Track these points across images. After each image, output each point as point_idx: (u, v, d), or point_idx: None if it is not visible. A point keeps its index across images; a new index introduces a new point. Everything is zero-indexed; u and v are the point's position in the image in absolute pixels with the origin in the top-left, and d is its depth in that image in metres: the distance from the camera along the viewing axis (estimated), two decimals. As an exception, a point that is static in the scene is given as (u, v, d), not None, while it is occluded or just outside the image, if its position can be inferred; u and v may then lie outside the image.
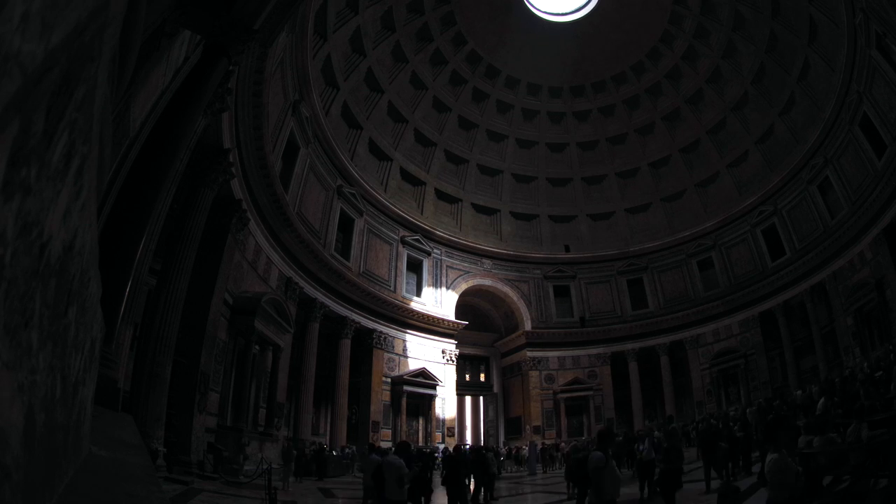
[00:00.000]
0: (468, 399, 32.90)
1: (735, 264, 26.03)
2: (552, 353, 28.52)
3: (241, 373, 14.84)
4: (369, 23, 22.30)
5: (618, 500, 4.34)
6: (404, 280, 25.80)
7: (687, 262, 28.04)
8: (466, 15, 25.43)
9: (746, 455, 10.95)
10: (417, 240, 26.72)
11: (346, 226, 23.07)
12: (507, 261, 29.68)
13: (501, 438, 28.68)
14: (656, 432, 13.94)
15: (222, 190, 12.79)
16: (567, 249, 30.46)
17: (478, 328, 30.04)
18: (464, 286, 28.39)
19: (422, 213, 27.51)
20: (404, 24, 23.93)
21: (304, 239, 18.74)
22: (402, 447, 7.29)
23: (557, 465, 20.74)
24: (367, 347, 23.16)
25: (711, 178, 27.70)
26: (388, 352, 23.91)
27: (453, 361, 26.51)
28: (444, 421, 25.31)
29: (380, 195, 25.13)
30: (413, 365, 24.62)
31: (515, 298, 29.47)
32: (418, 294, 26.45)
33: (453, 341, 26.73)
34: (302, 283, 19.06)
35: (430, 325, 25.94)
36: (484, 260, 29.17)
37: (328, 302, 20.73)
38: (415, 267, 26.89)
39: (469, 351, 29.29)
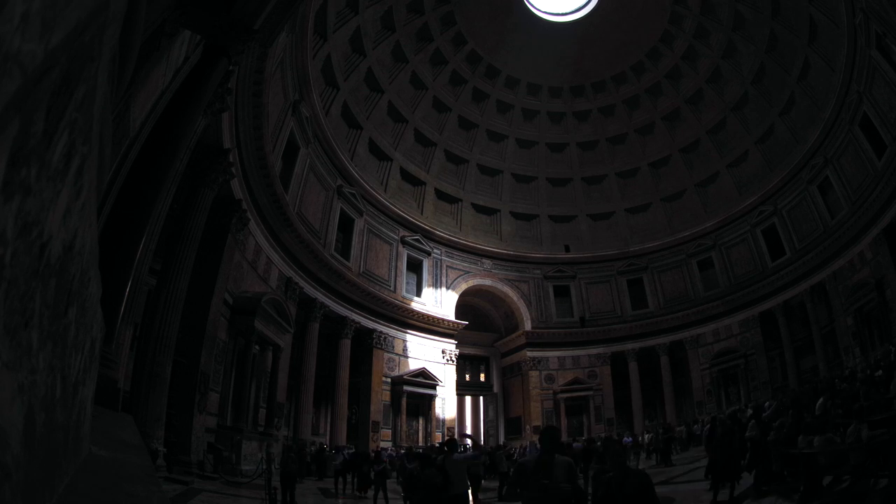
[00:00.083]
0: (468, 399, 32.90)
1: (735, 264, 26.03)
2: (552, 353, 28.52)
3: (241, 373, 14.84)
4: (369, 23, 22.30)
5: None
6: (404, 280, 25.80)
7: (687, 262, 28.05)
8: (466, 15, 25.43)
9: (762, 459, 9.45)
10: (417, 240, 26.72)
11: (346, 226, 23.07)
12: (507, 261, 29.68)
13: (501, 438, 28.66)
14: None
15: (222, 190, 12.79)
16: (567, 249, 30.46)
17: (478, 328, 30.04)
18: (464, 286, 28.39)
19: (422, 213, 27.51)
20: (404, 24, 23.93)
21: (304, 239, 18.74)
22: (451, 444, 7.22)
23: None
24: (367, 347, 23.16)
25: (711, 178, 27.70)
26: (388, 352, 23.91)
27: (453, 361, 26.51)
28: (444, 421, 25.31)
29: (380, 195, 25.13)
30: (413, 365, 24.62)
31: (515, 298, 29.46)
32: (418, 294, 26.45)
33: (453, 341, 26.73)
34: (302, 283, 19.06)
35: (430, 325, 25.94)
36: (484, 260, 29.17)
37: (328, 302, 20.73)
38: (415, 267, 26.89)
39: (469, 351, 29.29)
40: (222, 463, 12.21)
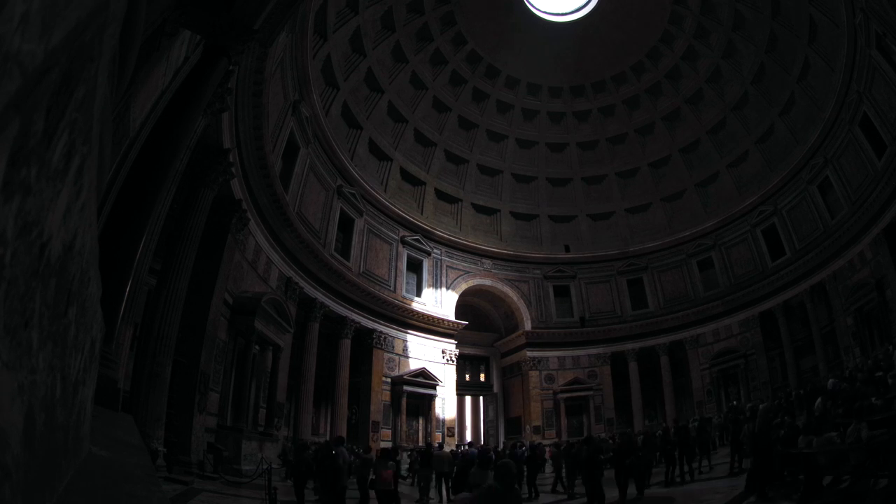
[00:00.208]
0: (468, 399, 32.90)
1: (735, 264, 26.04)
2: (552, 353, 28.52)
3: (241, 373, 14.84)
4: (369, 23, 22.30)
5: None
6: (404, 280, 25.80)
7: (687, 262, 28.05)
8: (466, 15, 25.44)
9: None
10: (417, 240, 26.72)
11: (346, 226, 23.06)
12: (507, 261, 29.67)
13: (501, 438, 28.67)
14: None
15: (222, 190, 12.79)
16: (567, 249, 30.46)
17: (478, 328, 30.04)
18: (464, 286, 28.39)
19: (422, 213, 27.51)
20: (404, 24, 23.93)
21: (304, 239, 18.74)
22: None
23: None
24: (367, 347, 23.17)
25: (711, 178, 27.71)
26: (388, 352, 23.91)
27: (453, 361, 26.51)
28: (444, 421, 25.31)
29: (380, 195, 25.14)
30: (413, 365, 24.62)
31: (515, 298, 29.47)
32: (418, 294, 26.45)
33: (453, 341, 26.73)
34: (302, 283, 19.06)
35: (430, 325, 25.94)
36: (484, 260, 29.17)
37: (328, 302, 20.73)
38: (415, 267, 26.89)
39: (469, 351, 29.28)
40: (222, 463, 12.20)
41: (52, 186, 0.87)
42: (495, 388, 30.69)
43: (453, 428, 26.09)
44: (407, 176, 27.21)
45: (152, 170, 7.60)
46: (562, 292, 30.02)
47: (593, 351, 28.44)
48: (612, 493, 9.00)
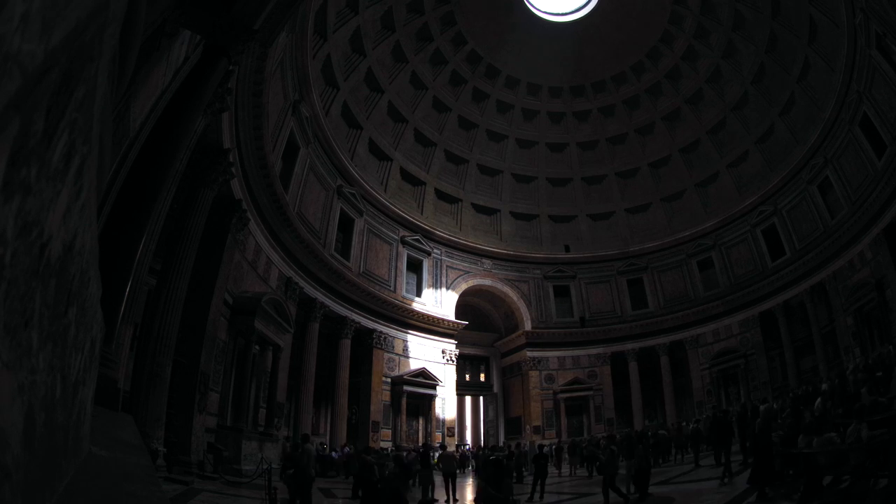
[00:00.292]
0: (468, 399, 32.91)
1: (735, 264, 26.04)
2: (552, 353, 28.52)
3: (241, 373, 14.84)
4: (369, 23, 22.30)
5: None
6: (404, 280, 25.80)
7: (687, 262, 28.05)
8: (466, 15, 25.44)
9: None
10: (417, 240, 26.73)
11: (346, 226, 23.07)
12: (507, 261, 29.68)
13: (501, 438, 28.68)
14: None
15: (222, 190, 12.79)
16: (567, 249, 30.46)
17: (478, 328, 30.05)
18: (464, 286, 28.39)
19: (422, 213, 27.51)
20: (404, 24, 23.93)
21: (304, 239, 18.74)
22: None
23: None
24: (367, 347, 23.17)
25: (711, 178, 27.71)
26: (388, 352, 23.91)
27: (453, 361, 26.52)
28: (444, 421, 25.31)
29: (380, 195, 25.14)
30: (413, 365, 24.62)
31: (515, 298, 29.47)
32: (418, 294, 26.45)
33: (453, 341, 26.73)
34: (302, 283, 19.06)
35: (430, 325, 25.94)
36: (484, 260, 29.17)
37: (328, 302, 20.73)
38: (415, 267, 26.89)
39: (469, 351, 29.29)
40: (222, 463, 12.20)
41: (52, 186, 0.87)
42: (495, 388, 30.69)
43: (453, 428, 26.09)
44: (407, 176, 27.21)
45: (152, 170, 7.59)
46: (562, 292, 30.03)
47: (593, 351, 28.44)
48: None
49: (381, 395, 22.92)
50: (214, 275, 12.95)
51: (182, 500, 7.60)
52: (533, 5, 26.20)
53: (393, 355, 24.15)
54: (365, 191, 24.08)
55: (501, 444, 27.24)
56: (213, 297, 12.75)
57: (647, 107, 28.84)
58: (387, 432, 22.81)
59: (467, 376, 29.79)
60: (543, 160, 30.60)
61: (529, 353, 28.40)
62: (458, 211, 29.26)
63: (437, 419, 25.09)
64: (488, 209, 30.17)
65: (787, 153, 23.68)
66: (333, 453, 18.62)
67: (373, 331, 23.21)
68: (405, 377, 23.97)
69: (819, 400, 11.83)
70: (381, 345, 23.58)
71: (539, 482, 12.07)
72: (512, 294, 29.48)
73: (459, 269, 28.43)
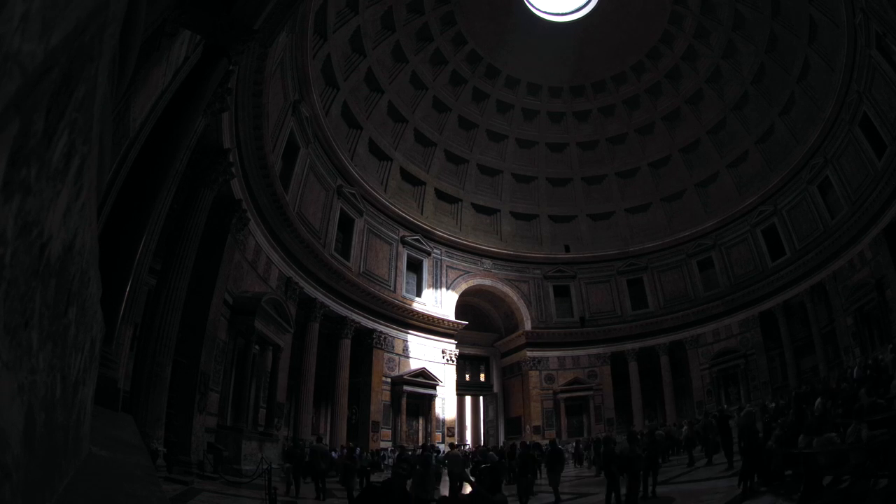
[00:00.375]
0: (468, 399, 32.91)
1: (735, 264, 26.04)
2: (552, 353, 28.52)
3: (241, 373, 14.84)
4: (369, 23, 22.30)
5: None
6: (404, 280, 25.80)
7: (687, 262, 28.06)
8: (466, 15, 25.44)
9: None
10: (417, 240, 26.72)
11: (346, 226, 23.07)
12: (507, 261, 29.68)
13: (501, 438, 28.68)
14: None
15: (222, 190, 12.79)
16: (567, 249, 30.47)
17: (478, 328, 30.05)
18: (464, 286, 28.39)
19: (422, 213, 27.51)
20: (404, 24, 23.93)
21: (304, 239, 18.74)
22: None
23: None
24: (367, 347, 23.17)
25: (711, 178, 27.71)
26: (388, 352, 23.91)
27: (453, 361, 26.52)
28: (444, 421, 25.32)
29: (380, 195, 25.14)
30: (413, 365, 24.63)
31: (515, 298, 29.47)
32: (418, 294, 26.45)
33: (453, 341, 26.73)
34: (302, 283, 19.06)
35: (430, 325, 25.95)
36: (484, 260, 29.18)
37: (328, 302, 20.73)
38: (415, 267, 26.89)
39: (469, 351, 29.29)
40: (222, 463, 12.20)
41: (52, 186, 0.87)
42: (495, 388, 30.69)
43: (453, 428, 26.09)
44: (407, 176, 27.21)
45: (152, 170, 7.59)
46: (562, 292, 30.03)
47: (593, 351, 28.44)
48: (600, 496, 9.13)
49: (381, 395, 22.92)
50: (214, 275, 12.95)
51: (182, 500, 7.60)
52: (533, 5, 26.20)
53: (393, 355, 24.15)
54: (365, 191, 24.08)
55: (501, 443, 27.26)
56: (213, 297, 12.75)
57: (647, 107, 28.84)
58: (387, 432, 22.82)
59: (467, 376, 29.79)
60: (543, 160, 30.60)
61: (529, 353, 28.40)
62: (458, 211, 29.26)
63: (437, 419, 25.09)
64: (488, 209, 30.17)
65: (787, 153, 23.68)
66: (333, 453, 18.62)
67: (373, 331, 23.21)
68: (405, 377, 23.96)
69: (819, 400, 11.83)
70: (381, 345, 23.58)
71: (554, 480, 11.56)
72: (512, 294, 29.48)
73: (459, 269, 28.44)
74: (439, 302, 27.04)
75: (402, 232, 26.20)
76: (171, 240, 10.69)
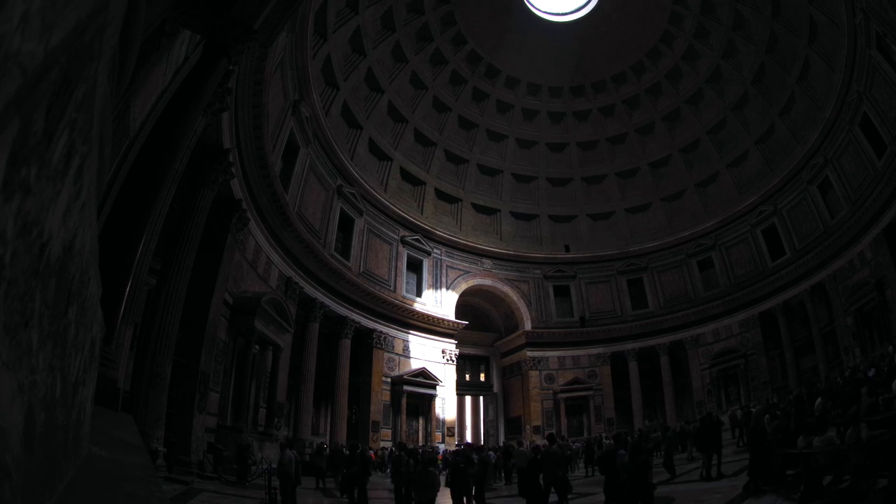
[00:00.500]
0: (468, 399, 32.90)
1: (735, 264, 26.04)
2: (552, 353, 28.52)
3: (241, 373, 14.84)
4: (369, 23, 22.30)
5: None
6: (404, 280, 25.80)
7: (687, 262, 28.05)
8: (466, 15, 25.44)
9: None
10: (417, 240, 26.72)
11: (346, 226, 23.06)
12: (507, 261, 29.68)
13: (501, 438, 28.68)
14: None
15: (222, 190, 12.79)
16: (567, 249, 30.46)
17: (478, 328, 30.04)
18: (464, 286, 28.39)
19: (422, 213, 27.51)
20: (404, 24, 23.93)
21: (304, 239, 18.74)
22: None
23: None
24: (367, 347, 23.16)
25: (711, 178, 27.71)
26: (388, 352, 23.91)
27: (453, 361, 26.51)
28: (444, 421, 25.31)
29: (380, 195, 25.14)
30: (413, 365, 24.62)
31: (515, 298, 29.47)
32: (418, 294, 26.45)
33: (453, 341, 26.73)
34: (302, 282, 19.06)
35: (430, 325, 25.94)
36: (484, 260, 29.18)
37: (328, 302, 20.73)
38: (415, 267, 26.89)
39: (469, 351, 29.29)
40: (222, 463, 12.20)
41: (52, 186, 0.87)
42: (495, 388, 30.69)
43: (453, 428, 26.09)
44: (407, 176, 27.21)
45: (152, 170, 7.59)
46: (562, 292, 30.03)
47: (593, 351, 28.44)
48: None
49: (381, 395, 22.92)
50: (214, 275, 12.95)
51: (182, 500, 7.60)
52: (533, 5, 26.20)
53: (393, 355, 24.14)
54: (365, 191, 24.08)
55: (501, 443, 27.26)
56: (213, 296, 12.75)
57: (647, 107, 28.84)
58: (387, 432, 22.81)
59: (467, 376, 29.78)
60: (543, 160, 30.60)
61: (529, 353, 28.40)
62: (458, 211, 29.26)
63: (437, 419, 25.09)
64: (488, 209, 30.17)
65: (787, 153, 23.68)
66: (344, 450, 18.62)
67: (373, 331, 23.21)
68: (405, 377, 23.96)
69: (819, 400, 11.82)
70: (381, 345, 23.58)
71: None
72: (512, 294, 29.48)
73: (459, 269, 28.43)
74: (439, 302, 27.04)
75: (402, 232, 26.20)
76: (171, 240, 10.69)
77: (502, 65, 27.95)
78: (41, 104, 0.73)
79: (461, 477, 9.50)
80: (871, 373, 13.43)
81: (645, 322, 28.10)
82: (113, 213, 6.83)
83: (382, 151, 25.77)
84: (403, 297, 25.31)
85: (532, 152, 30.48)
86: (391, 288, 24.80)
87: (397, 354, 24.36)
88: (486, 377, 31.02)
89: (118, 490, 1.95)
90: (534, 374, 28.05)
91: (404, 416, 23.67)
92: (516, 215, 30.67)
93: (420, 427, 24.72)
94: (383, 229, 25.33)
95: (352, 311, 22.09)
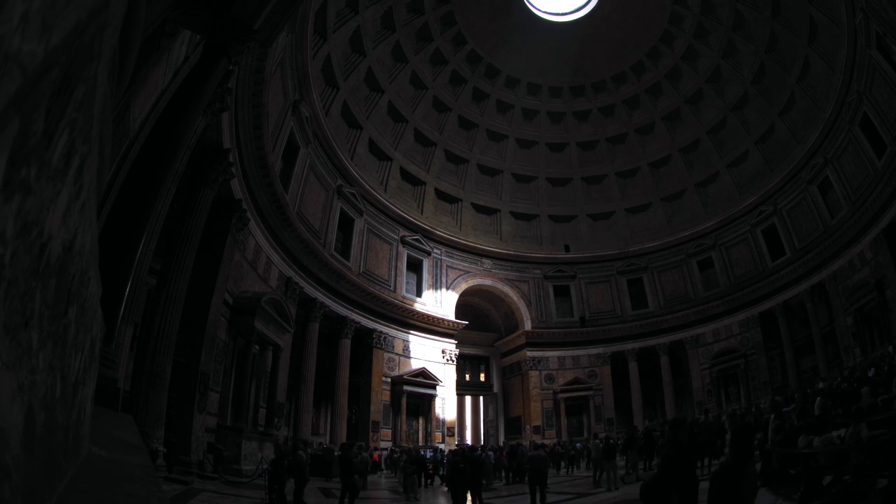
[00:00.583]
0: (468, 399, 32.91)
1: (735, 264, 26.04)
2: (552, 353, 28.52)
3: (241, 373, 14.84)
4: (369, 22, 22.30)
5: None
6: (404, 280, 25.80)
7: (687, 262, 28.06)
8: (466, 15, 25.44)
9: None
10: (417, 240, 26.72)
11: (346, 226, 23.06)
12: (507, 261, 29.68)
13: (501, 438, 28.69)
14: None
15: (222, 190, 12.79)
16: (567, 249, 30.47)
17: (478, 328, 30.05)
18: (464, 286, 28.39)
19: (422, 213, 27.51)
20: (404, 24, 23.93)
21: (304, 239, 18.74)
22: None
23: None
24: (367, 347, 23.17)
25: (711, 178, 27.71)
26: (388, 352, 23.91)
27: (453, 361, 26.52)
28: (444, 421, 25.31)
29: (380, 195, 25.14)
30: (413, 365, 24.63)
31: (515, 298, 29.47)
32: (418, 294, 26.45)
33: (453, 341, 26.73)
34: (302, 282, 19.06)
35: (430, 325, 25.95)
36: (484, 260, 29.18)
37: (328, 302, 20.73)
38: (415, 267, 26.89)
39: (469, 351, 29.29)
40: (222, 463, 12.20)
41: (51, 186, 0.87)
42: (495, 388, 30.69)
43: (453, 428, 26.09)
44: (407, 176, 27.21)
45: (152, 170, 7.59)
46: (562, 292, 30.03)
47: (593, 351, 28.44)
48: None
49: (381, 395, 22.92)
50: (214, 275, 12.96)
51: (182, 500, 7.60)
52: (533, 5, 26.20)
53: (393, 355, 24.15)
54: (365, 191, 24.08)
55: (501, 443, 27.26)
56: (213, 296, 12.75)
57: (647, 107, 28.84)
58: (387, 432, 22.81)
59: (467, 376, 29.79)
60: (543, 160, 30.60)
61: (529, 353, 28.40)
62: (458, 211, 29.27)
63: (437, 419, 25.09)
64: (488, 209, 30.17)
65: (787, 153, 23.68)
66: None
67: (373, 331, 23.21)
68: (405, 377, 23.96)
69: (819, 400, 11.83)
70: (381, 345, 23.58)
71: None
72: (512, 294, 29.48)
73: (459, 269, 28.44)
74: (439, 302, 27.04)
75: (402, 232, 26.20)
76: (171, 240, 10.69)
77: (502, 65, 27.95)
78: (41, 104, 0.73)
79: (461, 477, 9.55)
80: (871, 373, 13.43)
81: (645, 322, 28.11)
82: (113, 213, 6.83)
83: (382, 151, 25.77)
84: (403, 297, 25.32)
85: (532, 152, 30.48)
86: (391, 288, 24.81)
87: (397, 354, 24.36)
88: (486, 377, 31.03)
89: (118, 490, 1.95)
90: (534, 374, 28.05)
91: (404, 416, 23.67)
92: (516, 215, 30.67)
93: (420, 427, 24.72)
94: (383, 229, 25.33)
95: (352, 311, 22.10)
